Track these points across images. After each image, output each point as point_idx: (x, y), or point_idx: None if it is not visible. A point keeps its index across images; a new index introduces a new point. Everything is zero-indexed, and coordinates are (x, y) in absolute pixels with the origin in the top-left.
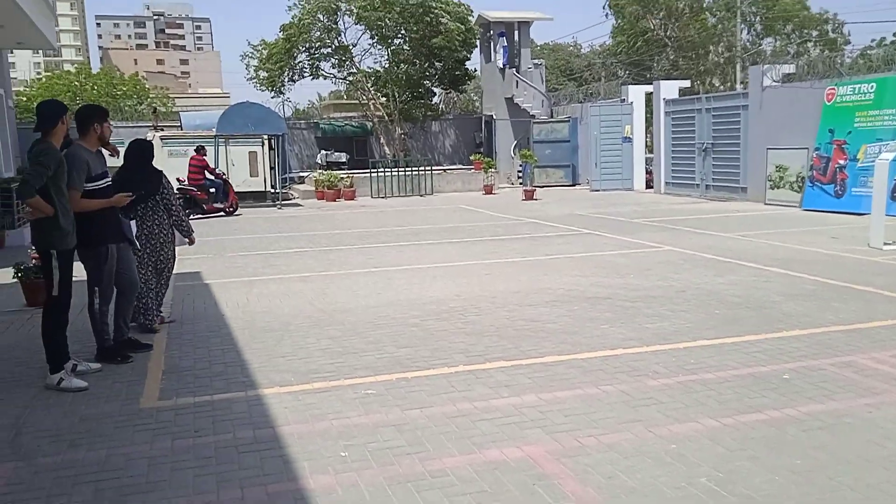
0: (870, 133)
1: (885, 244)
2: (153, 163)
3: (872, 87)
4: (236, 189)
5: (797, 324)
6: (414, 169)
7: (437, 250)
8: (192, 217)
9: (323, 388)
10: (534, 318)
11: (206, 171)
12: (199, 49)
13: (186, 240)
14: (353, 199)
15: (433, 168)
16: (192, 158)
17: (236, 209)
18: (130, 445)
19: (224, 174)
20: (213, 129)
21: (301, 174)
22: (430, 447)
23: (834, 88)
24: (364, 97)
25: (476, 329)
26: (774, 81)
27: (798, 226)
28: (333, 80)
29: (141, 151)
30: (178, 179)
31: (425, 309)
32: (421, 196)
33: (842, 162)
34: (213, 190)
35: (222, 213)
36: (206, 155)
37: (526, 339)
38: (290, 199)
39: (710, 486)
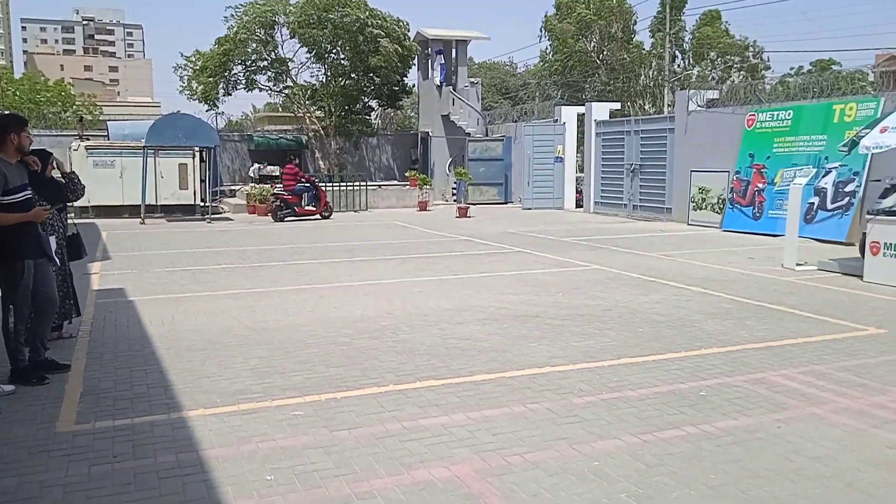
0: (787, 158)
1: (798, 265)
2: (46, 172)
3: (790, 114)
4: (163, 202)
5: (715, 341)
6: (349, 184)
7: (370, 267)
8: (285, 219)
9: (249, 410)
10: (465, 337)
11: (297, 178)
12: (129, 56)
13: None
14: None
15: (368, 183)
16: (285, 168)
17: (330, 214)
18: (45, 472)
19: (315, 179)
20: (143, 140)
21: (232, 187)
22: (358, 469)
23: (754, 114)
24: (299, 111)
25: (407, 348)
26: (699, 106)
27: (718, 246)
28: (269, 92)
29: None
30: (273, 186)
31: (357, 327)
32: (355, 211)
33: (760, 185)
34: (304, 194)
35: (318, 217)
36: (297, 164)
37: (457, 357)
38: (221, 213)
39: (629, 502)
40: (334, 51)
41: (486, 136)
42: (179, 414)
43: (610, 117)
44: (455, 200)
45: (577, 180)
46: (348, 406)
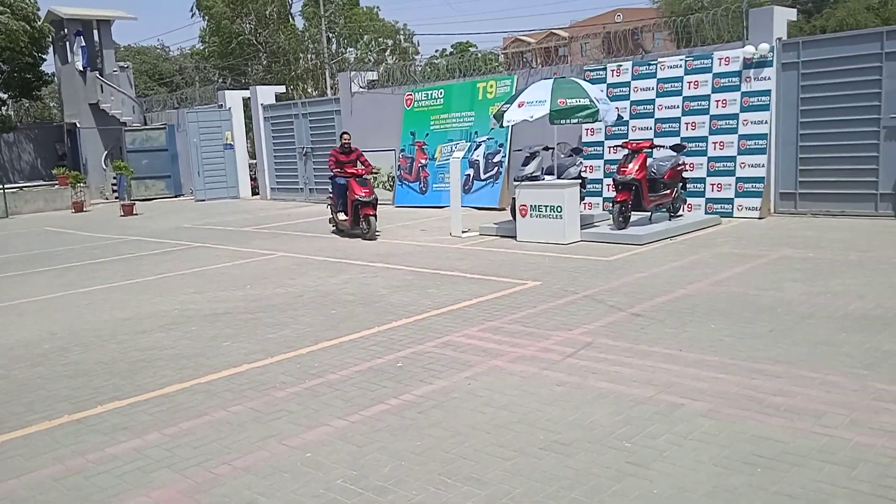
0: (443, 134)
1: (463, 232)
2: None
3: (441, 93)
4: None
5: (403, 313)
6: None
7: (20, 283)
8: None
9: None
10: (149, 347)
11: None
12: None
13: None
14: None
15: (6, 186)
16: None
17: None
18: None
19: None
20: None
21: None
22: None
23: (412, 94)
24: None
25: (81, 370)
26: (361, 88)
27: (393, 222)
28: None
29: None
30: None
31: (12, 355)
32: None
33: (423, 161)
34: None
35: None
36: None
37: (141, 371)
38: None
39: (346, 487)
40: None
41: (145, 124)
42: None
43: (276, 101)
44: (117, 198)
45: (250, 167)
46: (13, 450)
